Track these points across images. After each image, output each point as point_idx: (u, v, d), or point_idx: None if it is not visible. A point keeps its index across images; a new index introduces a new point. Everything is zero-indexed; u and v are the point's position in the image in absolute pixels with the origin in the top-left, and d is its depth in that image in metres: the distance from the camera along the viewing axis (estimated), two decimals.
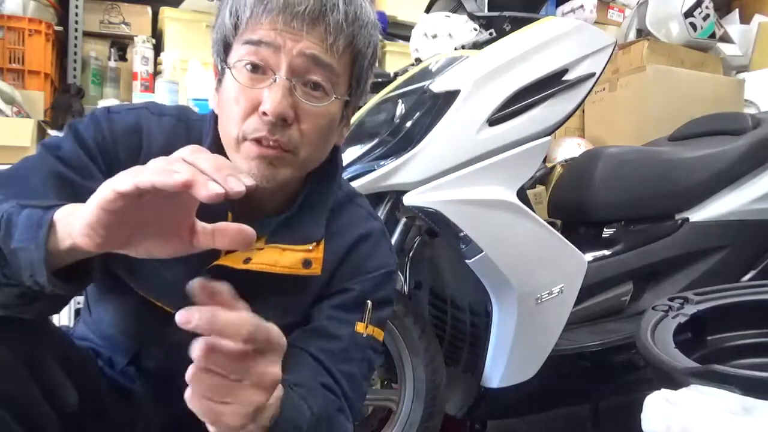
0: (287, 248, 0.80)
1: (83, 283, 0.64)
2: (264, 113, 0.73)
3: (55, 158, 0.76)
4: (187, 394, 0.54)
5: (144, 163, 0.79)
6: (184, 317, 0.51)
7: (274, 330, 0.56)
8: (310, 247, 0.81)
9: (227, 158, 0.78)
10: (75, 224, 0.55)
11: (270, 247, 0.80)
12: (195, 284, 0.53)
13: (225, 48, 0.78)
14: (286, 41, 0.73)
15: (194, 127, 0.85)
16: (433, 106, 1.48)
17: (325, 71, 0.75)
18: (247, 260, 0.79)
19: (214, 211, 0.80)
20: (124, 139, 0.80)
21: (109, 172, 0.77)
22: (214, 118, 0.83)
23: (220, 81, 0.80)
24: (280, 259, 0.80)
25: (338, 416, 0.79)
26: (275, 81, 0.73)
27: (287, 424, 0.65)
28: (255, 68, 0.74)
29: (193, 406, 0.54)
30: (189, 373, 0.54)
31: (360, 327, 0.85)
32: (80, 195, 0.72)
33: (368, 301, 0.86)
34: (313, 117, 0.76)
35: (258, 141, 0.74)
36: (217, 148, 0.80)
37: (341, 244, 0.87)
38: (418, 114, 1.49)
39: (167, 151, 0.81)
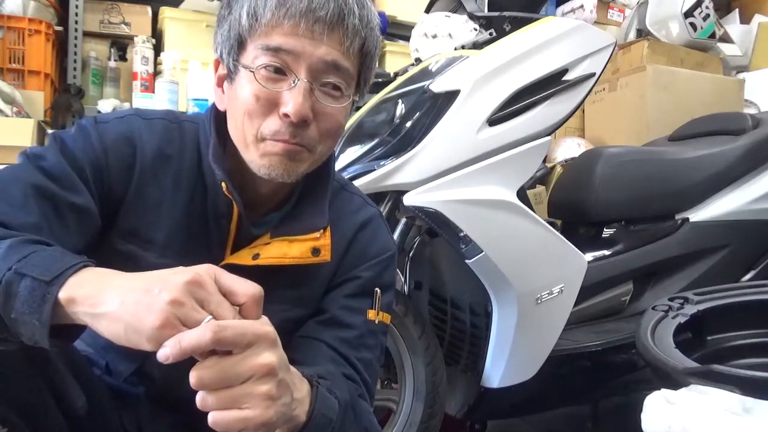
0: (295, 239, 0.82)
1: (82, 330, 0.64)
2: (286, 115, 0.74)
3: (37, 169, 0.74)
4: (211, 419, 0.56)
5: (140, 171, 0.80)
6: (162, 356, 0.54)
7: (246, 326, 0.56)
8: (318, 235, 0.83)
9: (238, 154, 0.80)
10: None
11: (277, 240, 0.82)
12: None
13: (239, 46, 0.78)
14: (305, 46, 0.74)
15: (187, 128, 0.85)
16: (433, 106, 1.48)
17: (343, 74, 0.77)
18: (256, 256, 0.80)
19: (219, 208, 0.81)
20: (116, 149, 0.80)
21: (99, 182, 0.77)
22: (215, 115, 0.83)
23: (230, 78, 0.80)
24: (289, 250, 0.82)
25: (360, 403, 0.81)
26: (295, 84, 0.74)
27: (321, 418, 0.67)
28: (275, 70, 0.75)
29: (220, 425, 0.56)
30: (199, 400, 0.55)
31: (371, 314, 0.88)
32: (60, 208, 0.72)
33: (377, 289, 0.89)
34: (330, 116, 0.78)
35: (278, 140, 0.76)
36: (221, 142, 0.82)
37: (343, 234, 0.90)
38: (418, 114, 1.49)
39: (161, 154, 0.81)
